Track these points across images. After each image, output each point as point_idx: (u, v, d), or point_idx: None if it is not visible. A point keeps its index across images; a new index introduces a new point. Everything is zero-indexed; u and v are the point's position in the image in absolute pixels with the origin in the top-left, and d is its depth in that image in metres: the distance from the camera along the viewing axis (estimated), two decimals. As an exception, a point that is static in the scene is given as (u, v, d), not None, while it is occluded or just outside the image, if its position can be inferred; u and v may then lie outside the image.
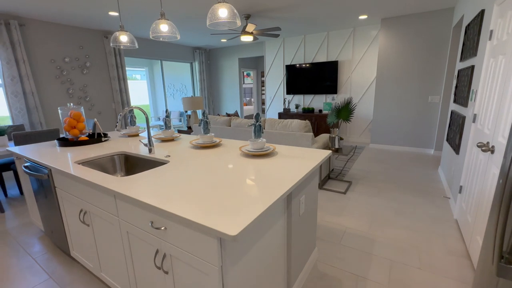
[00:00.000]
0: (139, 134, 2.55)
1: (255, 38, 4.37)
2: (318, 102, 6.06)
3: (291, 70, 6.13)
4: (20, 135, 2.73)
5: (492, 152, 1.61)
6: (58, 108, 2.15)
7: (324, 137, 3.24)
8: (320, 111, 5.89)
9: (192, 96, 4.43)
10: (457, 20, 3.62)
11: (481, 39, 2.26)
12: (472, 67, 2.39)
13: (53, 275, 1.78)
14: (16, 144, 2.74)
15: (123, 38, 2.24)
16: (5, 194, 3.24)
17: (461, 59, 2.93)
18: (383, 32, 4.61)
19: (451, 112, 3.12)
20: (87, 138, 2.19)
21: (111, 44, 2.25)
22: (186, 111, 4.80)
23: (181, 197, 1.05)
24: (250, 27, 3.96)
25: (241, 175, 1.29)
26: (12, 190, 3.41)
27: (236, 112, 5.90)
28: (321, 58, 5.76)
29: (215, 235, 0.85)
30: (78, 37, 4.59)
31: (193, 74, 7.44)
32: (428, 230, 2.20)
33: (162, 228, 1.03)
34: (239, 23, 1.68)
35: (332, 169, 3.85)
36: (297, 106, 6.19)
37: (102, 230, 1.42)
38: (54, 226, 1.90)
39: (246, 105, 11.28)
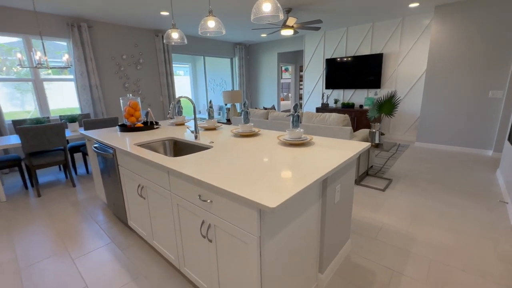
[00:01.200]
0: (185, 124, 2.79)
1: (295, 32, 4.37)
2: (358, 97, 5.82)
3: (331, 64, 5.97)
4: (88, 122, 3.18)
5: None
6: (120, 98, 2.48)
7: (363, 132, 3.15)
8: (361, 106, 5.65)
9: (231, 90, 4.63)
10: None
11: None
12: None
13: (114, 240, 2.09)
14: (85, 129, 3.20)
15: (175, 35, 2.46)
16: (75, 172, 3.81)
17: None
18: (436, 21, 4.23)
19: (516, 108, 2.78)
20: (142, 125, 2.48)
21: (164, 41, 2.50)
22: (225, 104, 5.03)
23: (225, 174, 1.18)
24: (291, 21, 3.97)
25: (279, 161, 1.38)
26: (80, 169, 3.99)
27: (273, 106, 5.97)
28: (365, 51, 5.50)
29: (256, 207, 0.95)
30: (133, 36, 5.09)
31: (233, 69, 7.68)
32: (478, 234, 2.04)
33: (208, 201, 1.17)
34: (281, 16, 1.74)
35: (371, 166, 3.71)
36: (336, 101, 6.02)
37: (156, 203, 1.63)
38: (115, 199, 2.21)
39: (283, 100, 11.28)
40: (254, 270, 1.04)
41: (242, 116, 2.11)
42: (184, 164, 1.38)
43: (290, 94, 9.09)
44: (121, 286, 1.60)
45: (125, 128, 2.41)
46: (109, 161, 2.09)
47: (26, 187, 3.29)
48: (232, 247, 1.12)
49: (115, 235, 2.17)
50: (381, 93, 5.44)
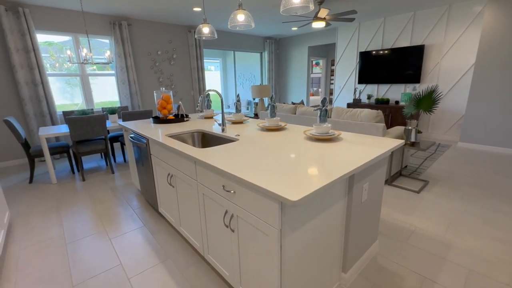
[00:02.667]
0: (214, 117, 2.86)
1: (327, 24, 4.21)
2: (394, 92, 5.45)
3: (365, 57, 5.66)
4: (126, 113, 3.42)
5: None
6: (154, 91, 2.62)
7: (398, 129, 2.96)
8: (397, 102, 5.29)
9: (260, 85, 4.63)
10: None
11: None
12: None
13: (146, 224, 2.25)
14: (124, 120, 3.44)
15: (205, 29, 2.52)
16: (114, 160, 4.14)
17: None
18: (490, 8, 3.77)
19: None
20: (173, 118, 2.60)
21: (195, 36, 2.57)
22: (254, 99, 5.05)
23: (249, 167, 1.19)
24: (323, 12, 3.83)
25: (304, 155, 1.36)
26: (119, 158, 4.32)
27: (302, 101, 5.86)
28: (404, 43, 5.12)
29: (277, 199, 0.95)
30: (167, 32, 5.31)
31: (262, 63, 7.66)
32: (529, 247, 1.82)
33: (232, 191, 1.19)
34: (312, 7, 1.68)
35: (406, 166, 3.48)
36: (369, 97, 5.71)
37: (183, 191, 1.71)
38: (147, 186, 2.36)
39: (312, 96, 11.00)
40: (274, 262, 1.05)
41: (269, 110, 2.10)
42: (210, 155, 1.42)
43: (320, 89, 8.82)
44: (150, 267, 1.72)
45: (158, 120, 2.55)
46: (143, 151, 2.24)
47: (73, 172, 3.66)
48: (253, 238, 1.14)
49: (147, 219, 2.32)
50: (420, 88, 5.04)
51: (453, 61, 4.57)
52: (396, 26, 5.17)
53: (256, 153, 1.43)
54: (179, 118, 2.61)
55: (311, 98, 10.31)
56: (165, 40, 5.30)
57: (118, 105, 4.94)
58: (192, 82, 5.88)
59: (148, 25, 5.01)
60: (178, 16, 4.78)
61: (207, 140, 2.17)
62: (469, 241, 1.89)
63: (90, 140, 3.48)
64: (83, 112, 3.47)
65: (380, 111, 2.81)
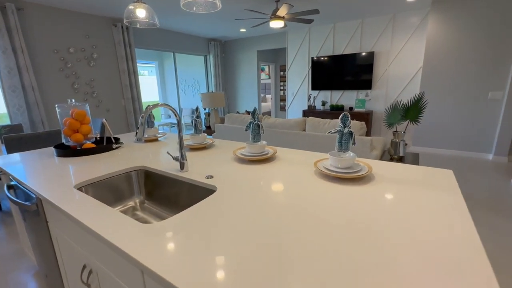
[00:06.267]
0: (159, 139, 2.01)
1: (284, 25, 3.78)
2: (348, 99, 5.43)
3: (317, 63, 5.51)
4: (12, 139, 2.22)
5: None
6: (56, 106, 1.62)
7: (380, 141, 2.65)
8: (351, 108, 5.27)
9: (211, 92, 3.90)
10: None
11: None
12: None
13: None
14: (9, 150, 2.23)
15: (141, 12, 1.69)
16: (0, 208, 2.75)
17: None
18: (433, 17, 3.95)
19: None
20: (93, 146, 1.65)
21: (124, 21, 1.70)
22: (204, 109, 4.27)
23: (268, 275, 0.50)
24: (283, 10, 3.37)
25: (345, 220, 0.73)
26: (7, 201, 2.93)
27: (255, 109, 5.37)
28: (353, 49, 5.12)
29: None
30: (83, 24, 4.07)
31: (208, 68, 6.89)
32: (554, 274, 1.61)
33: None
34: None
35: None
36: (323, 103, 5.58)
37: (117, 305, 0.88)
38: (48, 270, 1.37)
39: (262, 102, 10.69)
40: None
41: (250, 132, 1.42)
42: (176, 242, 0.66)
43: (268, 96, 8.53)
44: None
45: (66, 151, 1.57)
46: (33, 215, 1.26)
47: None
48: None
49: (49, 330, 1.33)
50: (372, 94, 5.11)
51: (400, 68, 4.73)
52: (345, 32, 5.14)
53: (269, 223, 0.73)
54: (104, 145, 1.68)
55: (262, 104, 9.97)
56: (80, 34, 4.03)
57: (7, 122, 3.47)
58: (122, 89, 4.70)
59: (52, 13, 3.70)
60: (98, 5, 3.65)
61: (154, 183, 1.34)
62: (499, 278, 1.58)
63: None
64: None
65: (363, 123, 2.45)
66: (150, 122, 2.02)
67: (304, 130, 2.79)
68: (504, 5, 3.50)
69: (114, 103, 4.64)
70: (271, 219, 0.78)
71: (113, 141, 1.80)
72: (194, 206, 0.89)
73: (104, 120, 1.82)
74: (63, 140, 1.71)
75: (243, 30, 5.67)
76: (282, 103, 7.95)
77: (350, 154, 1.15)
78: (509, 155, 3.81)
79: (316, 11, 3.32)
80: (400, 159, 2.37)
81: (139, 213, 1.30)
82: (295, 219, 0.78)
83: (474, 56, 3.78)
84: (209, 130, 4.20)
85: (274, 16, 3.50)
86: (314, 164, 1.22)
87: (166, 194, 1.29)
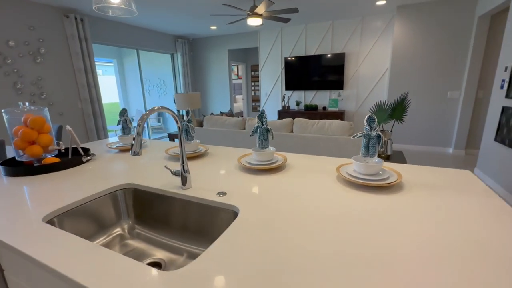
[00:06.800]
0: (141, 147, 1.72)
1: (262, 23, 3.65)
2: (321, 98, 5.54)
3: (290, 63, 5.51)
4: None
5: None
6: (2, 111, 1.26)
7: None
8: (325, 108, 5.38)
9: (186, 93, 3.59)
10: (490, 8, 3.29)
11: None
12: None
13: None
14: None
15: (114, -4, 1.40)
16: None
17: (520, 48, 2.55)
18: (398, 22, 4.19)
19: (504, 108, 2.76)
20: (57, 160, 1.33)
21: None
22: (178, 111, 3.93)
23: None
24: (262, 7, 3.24)
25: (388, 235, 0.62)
26: None
27: (231, 110, 5.16)
28: (325, 50, 5.23)
29: None
30: (26, 14, 3.45)
31: (175, 67, 6.47)
32: None
33: None
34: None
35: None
36: (298, 103, 5.60)
37: None
38: (2, 328, 1.04)
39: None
40: None
41: (258, 137, 1.26)
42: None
43: (239, 96, 8.36)
44: None
45: (18, 169, 1.22)
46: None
47: None
48: None
49: None
50: (344, 94, 5.27)
51: (369, 68, 4.95)
52: (317, 33, 5.22)
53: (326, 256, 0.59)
54: (71, 158, 1.36)
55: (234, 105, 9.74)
56: (21, 25, 3.41)
57: None
58: (79, 89, 4.13)
59: (-16, -3, 3.06)
60: (45, -11, 3.11)
61: (146, 205, 1.10)
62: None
63: None
64: None
65: (352, 123, 2.43)
66: (127, 128, 1.72)
67: (292, 132, 2.70)
68: (458, 13, 3.84)
69: (69, 106, 4.04)
70: (328, 238, 0.63)
71: (82, 152, 1.47)
72: (223, 235, 0.70)
73: (68, 128, 1.48)
74: (14, 155, 1.34)
75: (214, 27, 5.42)
76: (254, 104, 7.84)
77: (376, 159, 1.05)
78: (466, 148, 4.22)
79: (295, 10, 3.26)
80: (388, 158, 2.41)
81: (130, 241, 1.04)
82: (355, 238, 0.64)
83: (435, 58, 4.10)
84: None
85: (252, 13, 3.36)
86: (337, 169, 1.10)
87: (162, 215, 1.06)
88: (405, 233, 0.68)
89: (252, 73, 7.63)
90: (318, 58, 5.23)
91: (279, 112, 5.59)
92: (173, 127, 7.29)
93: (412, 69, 4.27)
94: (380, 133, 1.02)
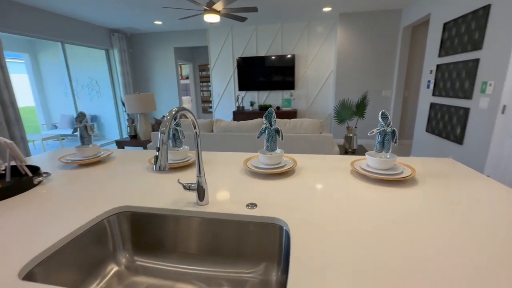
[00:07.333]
0: (106, 158, 1.40)
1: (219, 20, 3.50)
2: (274, 99, 5.68)
3: (243, 63, 5.48)
4: None
5: None
6: None
7: (329, 137, 2.83)
8: (278, 108, 5.53)
9: (138, 93, 3.14)
10: (413, 21, 3.92)
11: (487, 33, 2.35)
12: (476, 60, 2.48)
13: None
14: None
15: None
16: None
17: (442, 55, 3.10)
18: (341, 27, 4.62)
19: (431, 104, 3.31)
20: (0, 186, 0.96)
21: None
22: (128, 114, 3.42)
23: None
24: (220, 4, 3.10)
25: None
26: None
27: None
28: (276, 51, 5.38)
29: None
30: None
31: (112, 65, 5.68)
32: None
33: None
34: None
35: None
36: (252, 104, 5.62)
37: None
38: None
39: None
40: None
41: (266, 139, 1.16)
42: None
43: (186, 98, 7.90)
44: None
45: None
46: None
47: None
48: None
49: None
50: (296, 94, 5.53)
51: (317, 70, 5.32)
52: (267, 34, 5.33)
53: None
54: (20, 179, 1.01)
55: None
56: None
57: None
58: (-18, 90, 3.20)
59: None
60: None
61: (146, 229, 0.88)
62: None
63: None
64: None
65: (322, 121, 2.54)
66: (87, 136, 1.38)
67: (264, 132, 2.66)
68: (387, 23, 4.46)
69: (-32, 112, 3.09)
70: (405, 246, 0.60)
71: (28, 172, 1.11)
72: (294, 255, 0.59)
73: (4, 140, 1.09)
74: None
75: (158, 22, 4.96)
76: (204, 105, 7.52)
77: (387, 155, 1.09)
78: (399, 139, 4.94)
79: (254, 9, 3.23)
80: (354, 152, 2.60)
81: (135, 278, 0.82)
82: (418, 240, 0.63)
83: (371, 61, 4.66)
84: (134, 139, 3.41)
85: (210, 9, 3.18)
86: (351, 164, 1.10)
87: (173, 239, 0.87)
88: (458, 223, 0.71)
89: (201, 73, 7.30)
90: (270, 59, 5.35)
91: (234, 113, 5.50)
92: (113, 134, 6.38)
93: (354, 70, 4.76)
94: (394, 128, 1.07)
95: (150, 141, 3.12)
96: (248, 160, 1.25)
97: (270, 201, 0.87)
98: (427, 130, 3.42)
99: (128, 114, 3.37)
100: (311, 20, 5.02)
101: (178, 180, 0.85)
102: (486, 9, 2.35)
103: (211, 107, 7.47)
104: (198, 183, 0.85)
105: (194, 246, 0.86)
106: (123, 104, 3.19)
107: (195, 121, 0.79)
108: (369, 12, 4.48)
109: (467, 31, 2.63)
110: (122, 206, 0.88)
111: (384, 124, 1.06)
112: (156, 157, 0.63)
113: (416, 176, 1.07)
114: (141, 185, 1.04)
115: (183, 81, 7.62)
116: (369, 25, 4.53)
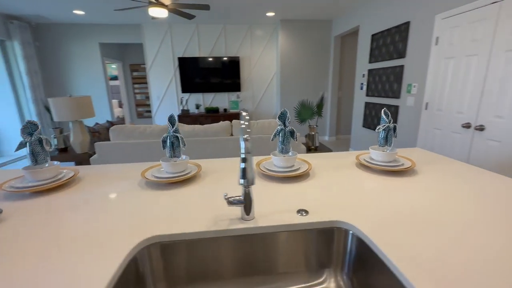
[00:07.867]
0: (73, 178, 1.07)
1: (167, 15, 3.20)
2: (220, 101, 5.55)
3: (185, 64, 5.16)
4: None
5: (482, 129, 2.08)
6: None
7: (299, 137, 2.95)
8: (225, 110, 5.44)
9: (70, 96, 2.50)
10: (343, 31, 4.49)
11: (409, 44, 2.89)
12: (402, 66, 3.01)
13: None
14: None
15: None
16: None
17: (372, 61, 3.64)
18: (282, 32, 4.89)
19: (366, 103, 3.85)
20: None
21: None
22: (57, 123, 2.70)
23: None
24: (169, -3, 2.83)
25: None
26: None
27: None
28: (220, 53, 5.28)
29: None
30: None
31: (10, 61, 4.47)
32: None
33: None
34: None
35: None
36: (197, 106, 5.36)
37: None
38: None
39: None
40: None
41: (280, 141, 1.12)
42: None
43: (114, 101, 6.89)
44: None
45: None
46: None
47: None
48: None
49: None
50: (242, 96, 5.55)
51: (261, 72, 5.47)
52: (209, 35, 5.18)
53: None
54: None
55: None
56: None
57: None
58: None
59: None
60: None
61: (184, 260, 0.72)
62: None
63: None
64: None
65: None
66: (37, 154, 1.03)
67: (232, 135, 2.57)
68: (321, 32, 4.97)
69: None
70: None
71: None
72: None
73: None
74: None
75: (79, 12, 4.17)
76: (139, 109, 6.72)
77: (390, 148, 1.21)
78: (336, 135, 5.56)
79: (207, 7, 3.08)
80: (316, 149, 2.78)
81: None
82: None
83: (311, 64, 5.10)
84: (65, 153, 2.75)
85: (157, 2, 2.87)
86: (357, 157, 1.17)
87: (214, 264, 0.74)
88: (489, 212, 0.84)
89: (133, 73, 6.50)
90: (215, 60, 5.21)
91: (179, 116, 5.12)
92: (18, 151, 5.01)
93: (296, 72, 5.11)
94: (395, 124, 1.18)
95: (95, 153, 2.58)
96: (260, 163, 1.18)
97: (316, 204, 0.84)
98: (363, 126, 3.96)
99: (57, 123, 2.68)
100: (253, 23, 5.14)
101: (224, 196, 0.72)
102: (407, 24, 2.89)
103: (148, 111, 6.75)
104: (246, 194, 0.74)
105: (241, 268, 0.75)
106: (47, 110, 2.53)
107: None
108: (306, 20, 4.89)
109: (392, 42, 3.17)
110: (151, 237, 0.69)
111: (387, 121, 1.16)
112: (244, 170, 0.52)
113: (416, 171, 1.22)
114: (154, 207, 0.84)
115: (111, 82, 6.64)
116: (307, 32, 4.94)
